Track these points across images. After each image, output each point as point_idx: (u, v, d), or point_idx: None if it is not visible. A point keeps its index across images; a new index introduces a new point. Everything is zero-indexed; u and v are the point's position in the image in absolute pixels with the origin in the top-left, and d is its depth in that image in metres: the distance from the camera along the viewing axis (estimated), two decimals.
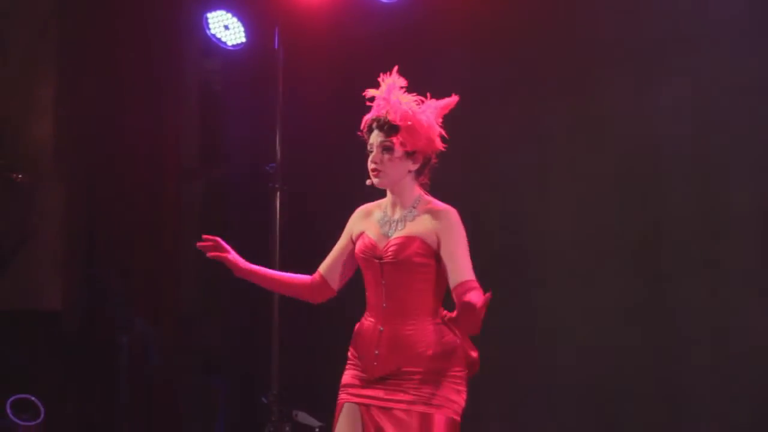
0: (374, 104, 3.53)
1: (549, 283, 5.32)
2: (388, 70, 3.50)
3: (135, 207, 6.37)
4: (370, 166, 3.52)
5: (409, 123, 3.45)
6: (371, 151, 3.52)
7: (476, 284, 3.38)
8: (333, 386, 5.91)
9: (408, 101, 3.49)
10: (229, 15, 5.93)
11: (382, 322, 3.53)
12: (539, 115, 5.07)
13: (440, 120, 3.52)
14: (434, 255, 3.47)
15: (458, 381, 3.50)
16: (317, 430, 5.46)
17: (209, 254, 3.70)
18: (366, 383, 3.54)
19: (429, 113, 3.50)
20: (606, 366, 5.20)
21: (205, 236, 3.71)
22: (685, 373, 5.04)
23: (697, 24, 5.04)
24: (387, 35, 5.65)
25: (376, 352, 3.51)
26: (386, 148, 3.48)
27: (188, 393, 6.42)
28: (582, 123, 5.36)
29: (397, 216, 3.55)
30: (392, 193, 3.57)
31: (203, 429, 6.45)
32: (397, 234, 3.51)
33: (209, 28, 5.95)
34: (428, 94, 3.51)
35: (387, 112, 3.48)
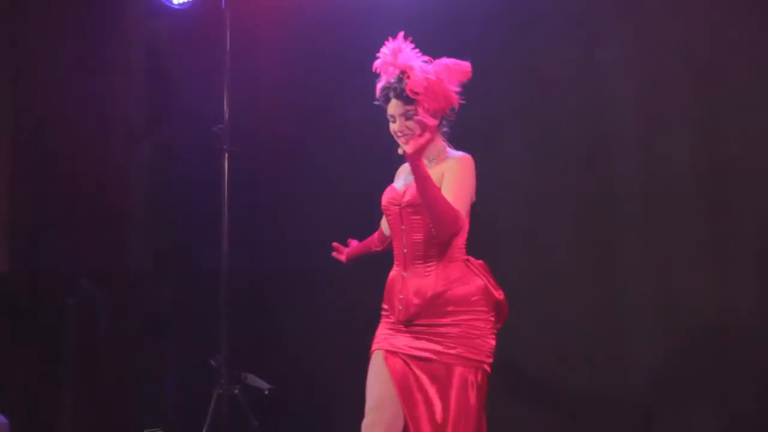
0: (381, 69, 3.56)
1: (494, 242, 5.35)
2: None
3: (81, 168, 6.30)
4: (397, 135, 3.58)
5: (426, 87, 3.49)
6: (393, 121, 3.58)
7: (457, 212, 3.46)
8: (282, 349, 5.97)
9: (419, 65, 3.52)
10: None
11: (404, 267, 3.64)
12: (483, 75, 5.09)
13: (457, 83, 3.58)
14: None
15: (484, 327, 3.58)
16: (266, 392, 5.48)
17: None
18: (396, 332, 3.62)
19: (442, 72, 3.55)
20: (551, 330, 5.27)
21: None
22: (629, 333, 5.11)
23: None
24: None
25: (401, 296, 3.61)
26: (409, 116, 3.53)
27: (137, 356, 6.39)
28: (528, 84, 5.39)
29: None
30: None
31: (152, 392, 6.43)
32: None
33: None
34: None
35: (402, 78, 3.51)
